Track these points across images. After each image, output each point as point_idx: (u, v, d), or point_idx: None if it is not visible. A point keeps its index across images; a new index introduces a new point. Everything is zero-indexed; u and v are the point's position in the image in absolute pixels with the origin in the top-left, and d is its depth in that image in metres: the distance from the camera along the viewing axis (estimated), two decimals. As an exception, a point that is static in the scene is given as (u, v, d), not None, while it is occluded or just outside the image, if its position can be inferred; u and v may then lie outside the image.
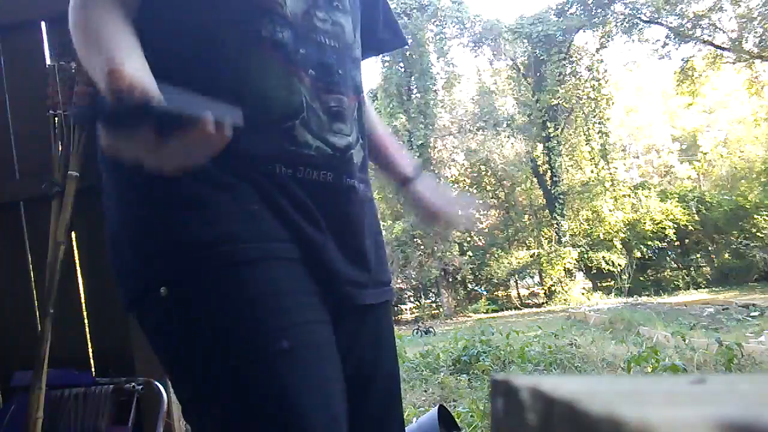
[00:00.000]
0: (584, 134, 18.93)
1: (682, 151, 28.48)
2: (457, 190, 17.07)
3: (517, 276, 20.00)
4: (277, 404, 0.74)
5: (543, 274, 19.05)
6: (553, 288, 18.26)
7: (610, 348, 5.74)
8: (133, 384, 1.74)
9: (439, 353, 6.09)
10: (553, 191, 18.78)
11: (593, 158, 18.75)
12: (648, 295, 16.54)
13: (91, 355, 1.90)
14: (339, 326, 0.85)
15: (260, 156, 0.81)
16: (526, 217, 20.67)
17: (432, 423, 2.01)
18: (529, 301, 19.35)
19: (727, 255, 18.83)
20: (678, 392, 0.21)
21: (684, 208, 19.33)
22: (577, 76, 19.08)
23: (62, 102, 1.81)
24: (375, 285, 0.94)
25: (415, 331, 12.13)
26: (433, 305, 18.90)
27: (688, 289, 17.55)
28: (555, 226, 18.69)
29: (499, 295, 19.88)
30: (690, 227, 19.15)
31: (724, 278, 18.22)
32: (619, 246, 18.48)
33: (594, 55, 19.04)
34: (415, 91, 17.77)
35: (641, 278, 18.43)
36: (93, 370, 1.89)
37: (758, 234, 18.07)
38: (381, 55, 13.63)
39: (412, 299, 20.03)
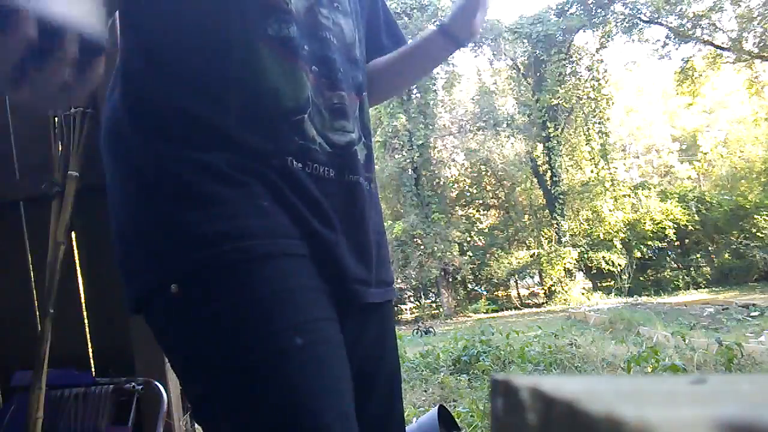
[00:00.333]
0: (584, 134, 18.94)
1: (682, 151, 28.50)
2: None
3: (517, 276, 20.02)
4: (290, 401, 0.74)
5: (543, 274, 19.06)
6: (553, 288, 18.27)
7: (610, 348, 5.74)
8: (133, 384, 1.74)
9: (439, 353, 6.09)
10: (553, 191, 18.78)
11: (593, 158, 18.76)
12: (648, 295, 16.55)
13: (91, 355, 1.91)
14: (344, 324, 0.85)
15: (271, 149, 0.81)
16: (526, 217, 20.68)
17: (432, 423, 2.01)
18: (529, 301, 19.37)
19: (727, 255, 18.83)
20: (678, 392, 0.21)
21: (684, 208, 19.34)
22: (577, 76, 19.08)
23: (62, 102, 1.81)
24: (378, 284, 0.94)
25: (415, 331, 12.13)
26: (433, 305, 18.91)
27: (688, 289, 17.57)
28: (555, 226, 18.70)
29: (499, 295, 19.91)
30: (690, 227, 19.16)
31: (724, 278, 18.23)
32: (619, 246, 18.49)
33: (594, 55, 19.05)
34: (415, 90, 17.77)
35: (641, 278, 18.45)
36: (93, 370, 1.89)
37: (758, 234, 18.09)
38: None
39: (412, 299, 20.04)
